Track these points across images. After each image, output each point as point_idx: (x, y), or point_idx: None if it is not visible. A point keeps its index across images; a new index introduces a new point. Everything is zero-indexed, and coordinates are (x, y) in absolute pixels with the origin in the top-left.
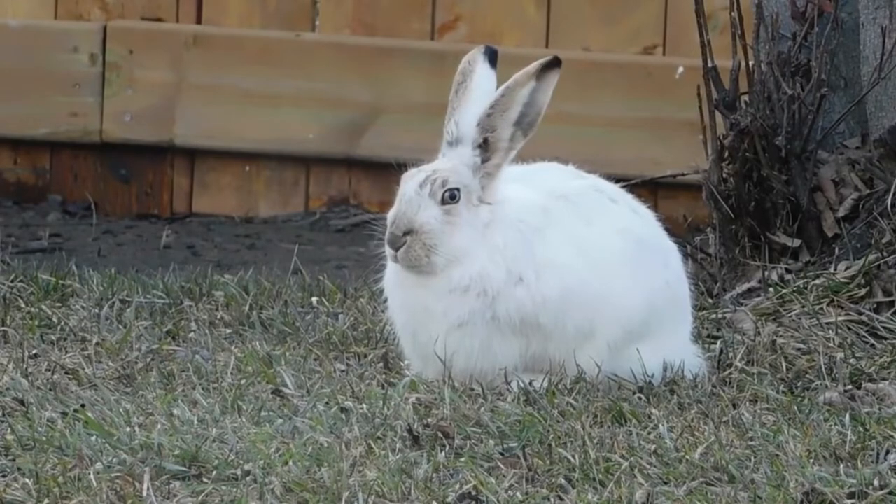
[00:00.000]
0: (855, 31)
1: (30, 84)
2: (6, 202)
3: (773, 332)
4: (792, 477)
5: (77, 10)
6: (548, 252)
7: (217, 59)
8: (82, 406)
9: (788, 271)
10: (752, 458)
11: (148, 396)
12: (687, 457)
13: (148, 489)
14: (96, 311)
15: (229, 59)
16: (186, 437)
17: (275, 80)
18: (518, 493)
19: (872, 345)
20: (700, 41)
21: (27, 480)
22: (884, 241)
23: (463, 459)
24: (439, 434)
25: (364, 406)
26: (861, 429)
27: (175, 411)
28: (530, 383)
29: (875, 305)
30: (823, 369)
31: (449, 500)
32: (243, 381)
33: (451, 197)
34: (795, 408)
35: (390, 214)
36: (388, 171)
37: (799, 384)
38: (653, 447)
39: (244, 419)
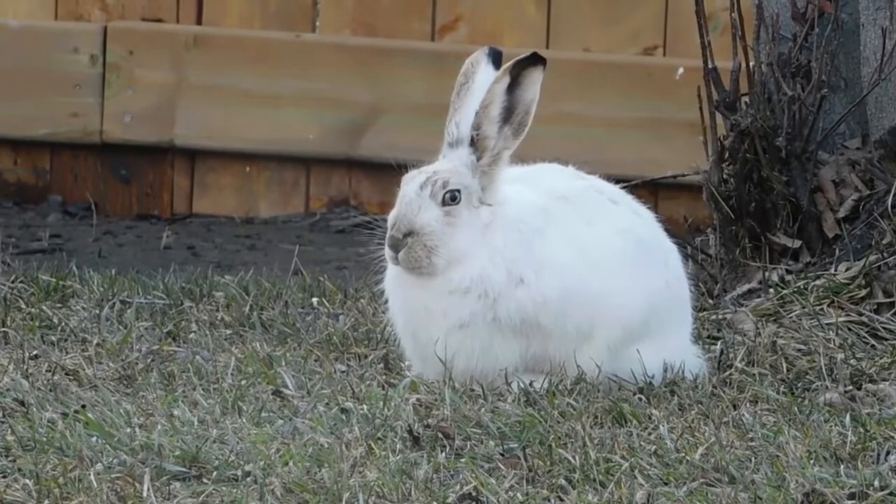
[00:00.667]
0: (855, 31)
1: (30, 84)
2: (6, 203)
3: (773, 332)
4: (792, 478)
5: (77, 10)
6: (548, 253)
7: (217, 59)
8: (83, 407)
9: (789, 272)
10: (753, 458)
11: (148, 397)
12: (687, 457)
13: (148, 490)
14: (97, 311)
15: (229, 59)
16: (187, 438)
17: (275, 80)
18: (518, 494)
19: (873, 345)
20: (700, 42)
21: (28, 481)
22: (884, 241)
23: (463, 460)
24: (440, 435)
25: (364, 407)
26: (861, 429)
27: (175, 412)
28: (530, 384)
29: (875, 306)
30: (824, 370)
31: (449, 500)
32: (244, 382)
33: (451, 198)
34: (796, 408)
35: (391, 216)
36: (388, 172)
37: (799, 385)
38: (653, 448)
39: (244, 420)
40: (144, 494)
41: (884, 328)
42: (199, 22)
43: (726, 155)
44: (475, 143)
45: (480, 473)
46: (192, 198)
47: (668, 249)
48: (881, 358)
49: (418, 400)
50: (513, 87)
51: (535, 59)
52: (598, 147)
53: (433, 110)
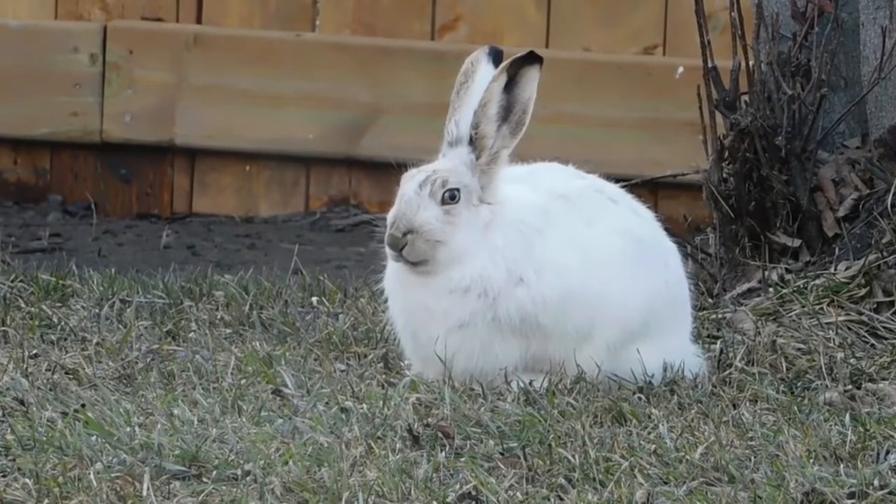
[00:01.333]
0: (855, 31)
1: (30, 84)
2: (6, 202)
3: (773, 332)
4: (792, 477)
5: (77, 10)
6: (548, 252)
7: (217, 59)
8: (82, 406)
9: (788, 271)
10: (753, 458)
11: (148, 396)
12: (687, 457)
13: (148, 489)
14: (96, 311)
15: (229, 59)
16: (186, 437)
17: (275, 80)
18: (518, 493)
19: (872, 345)
20: (700, 41)
21: (27, 480)
22: (884, 241)
23: (463, 459)
24: (439, 434)
25: (364, 406)
26: (861, 429)
27: (175, 411)
28: (530, 383)
29: (875, 305)
30: (823, 369)
31: (449, 500)
32: (243, 381)
33: (450, 197)
34: (795, 408)
35: (390, 215)
36: (388, 171)
37: (799, 384)
38: (653, 447)
39: (244, 419)
40: (144, 494)
41: (883, 327)
42: (199, 21)
43: (726, 154)
44: (474, 142)
45: (480, 473)
46: (192, 197)
47: (668, 249)
48: (881, 357)
49: (418, 399)
50: (510, 86)
51: (532, 58)
52: (597, 147)
53: (433, 110)
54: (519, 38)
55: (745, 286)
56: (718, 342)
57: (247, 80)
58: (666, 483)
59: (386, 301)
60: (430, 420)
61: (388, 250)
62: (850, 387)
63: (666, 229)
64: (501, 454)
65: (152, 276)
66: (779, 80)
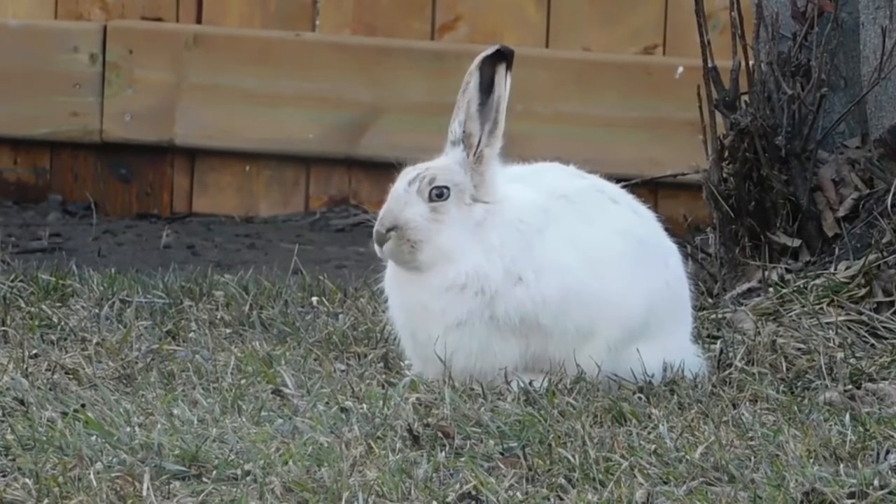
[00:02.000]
0: (855, 30)
1: (30, 84)
2: (6, 202)
3: (773, 331)
4: (792, 477)
5: (77, 10)
6: (548, 252)
7: (217, 59)
8: (82, 406)
9: (788, 271)
10: (752, 457)
11: (148, 396)
12: (687, 457)
13: (148, 489)
14: (96, 310)
15: (229, 59)
16: (186, 437)
17: (275, 80)
18: (518, 493)
19: (872, 345)
20: (700, 41)
21: (27, 480)
22: (884, 240)
23: (463, 459)
24: (439, 434)
25: (364, 406)
26: (861, 429)
27: (175, 411)
28: (530, 383)
29: (875, 305)
30: (823, 369)
31: (449, 500)
32: (243, 381)
33: (438, 195)
34: (795, 408)
35: (381, 211)
36: (388, 171)
37: (799, 384)
38: (653, 447)
39: (244, 419)
40: (144, 493)
41: (883, 327)
42: (198, 21)
43: (726, 154)
44: (463, 141)
45: (480, 472)
46: (192, 197)
47: (668, 249)
48: (881, 357)
49: (418, 399)
50: (484, 85)
51: (499, 55)
52: (597, 146)
53: (433, 109)
54: (519, 38)
55: (745, 286)
56: (718, 342)
57: (246, 80)
58: (666, 483)
59: (386, 301)
60: (430, 420)
61: (374, 246)
62: (850, 387)
63: (666, 229)
64: (501, 454)
65: (152, 276)
66: (779, 80)
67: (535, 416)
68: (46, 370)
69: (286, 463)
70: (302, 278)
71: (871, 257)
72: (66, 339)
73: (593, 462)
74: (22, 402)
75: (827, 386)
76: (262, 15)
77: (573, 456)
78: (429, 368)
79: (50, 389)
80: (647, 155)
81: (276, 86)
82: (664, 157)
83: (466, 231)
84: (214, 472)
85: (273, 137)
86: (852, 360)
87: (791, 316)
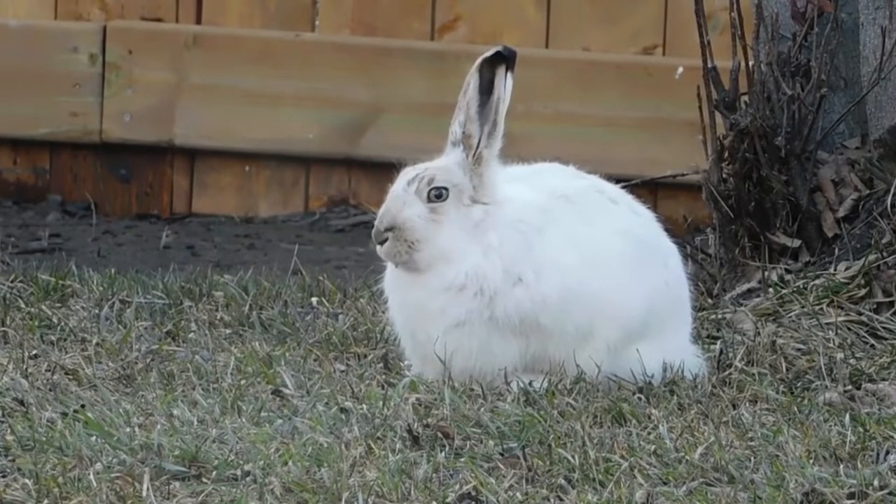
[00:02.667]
0: (855, 31)
1: (30, 84)
2: (6, 202)
3: (772, 332)
4: (792, 477)
5: (77, 10)
6: (548, 252)
7: (217, 59)
8: (82, 406)
9: (788, 271)
10: (752, 458)
11: (148, 397)
12: (687, 457)
13: (148, 489)
14: (96, 311)
15: (229, 59)
16: (186, 438)
17: (275, 80)
18: (518, 494)
19: (872, 345)
20: (700, 41)
21: (27, 481)
22: (883, 241)
23: (463, 460)
24: (439, 434)
25: (364, 406)
26: (861, 429)
27: (175, 412)
28: (530, 383)
29: (875, 306)
30: (823, 370)
31: (449, 500)
32: (243, 382)
33: (436, 195)
34: (795, 408)
35: (379, 211)
36: (388, 171)
37: (799, 384)
38: (653, 447)
39: (244, 419)
40: (144, 494)
41: (883, 328)
42: (198, 21)
43: (726, 154)
44: (464, 143)
45: (480, 473)
46: (192, 197)
47: (668, 249)
48: (880, 357)
49: (418, 399)
50: (484, 87)
51: (499, 57)
52: (597, 147)
53: (433, 110)
54: (519, 38)
55: (745, 286)
56: (718, 342)
57: (246, 80)
58: (666, 483)
59: (385, 301)
60: (429, 420)
61: (375, 245)
62: (849, 387)
63: (666, 229)
64: (501, 454)
65: (152, 276)
66: (778, 81)
67: (535, 416)
68: (46, 371)
69: (286, 463)
70: (302, 279)
71: (871, 258)
72: (65, 340)
73: (593, 462)
74: (22, 403)
75: (827, 386)
76: (262, 15)
77: (573, 456)
78: (428, 369)
79: (50, 390)
80: (646, 155)
81: (275, 86)
82: (664, 157)
83: (465, 231)
84: (214, 473)
85: (273, 137)
86: (852, 361)
87: (791, 316)
